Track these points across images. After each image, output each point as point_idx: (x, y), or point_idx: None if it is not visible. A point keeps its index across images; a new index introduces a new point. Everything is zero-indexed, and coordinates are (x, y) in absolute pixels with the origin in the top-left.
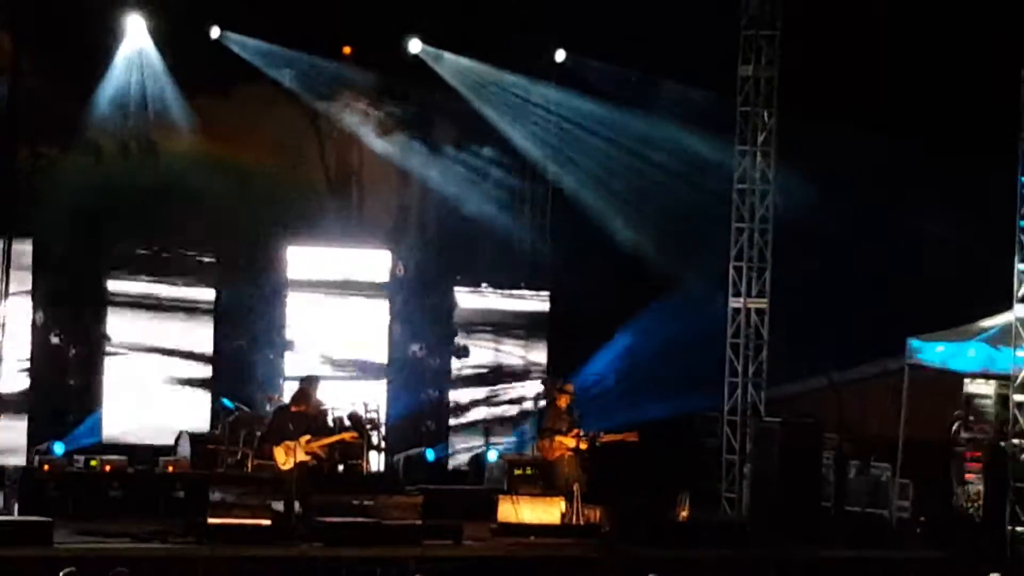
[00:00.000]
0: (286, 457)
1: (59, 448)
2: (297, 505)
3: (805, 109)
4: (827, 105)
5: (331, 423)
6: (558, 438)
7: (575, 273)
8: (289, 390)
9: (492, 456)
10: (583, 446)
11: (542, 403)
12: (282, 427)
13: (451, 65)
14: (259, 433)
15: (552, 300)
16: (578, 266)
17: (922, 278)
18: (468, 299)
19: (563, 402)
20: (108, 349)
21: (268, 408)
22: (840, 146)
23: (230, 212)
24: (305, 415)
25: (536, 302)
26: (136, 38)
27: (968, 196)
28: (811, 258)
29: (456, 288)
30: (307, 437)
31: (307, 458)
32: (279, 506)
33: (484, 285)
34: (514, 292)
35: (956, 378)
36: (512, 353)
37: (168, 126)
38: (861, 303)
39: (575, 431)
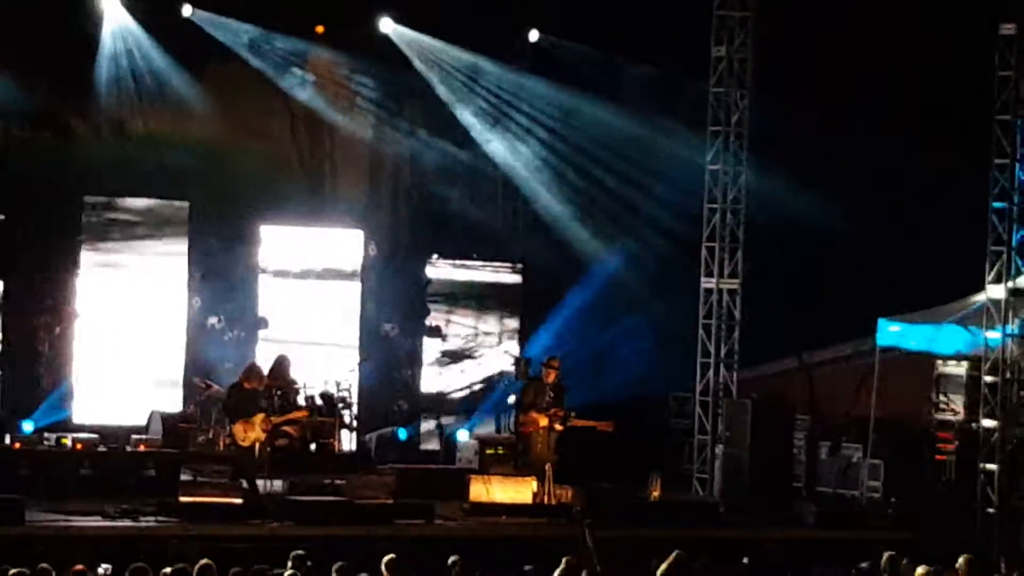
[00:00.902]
0: (245, 434)
1: (27, 426)
2: (269, 484)
3: (778, 90)
4: (800, 86)
5: (303, 402)
6: (533, 414)
7: (545, 248)
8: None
9: (462, 436)
10: (558, 427)
11: (516, 379)
12: (236, 405)
13: (417, 45)
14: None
15: (523, 274)
16: (548, 241)
17: (895, 259)
18: (441, 274)
19: (548, 378)
20: (79, 327)
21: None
22: (814, 127)
23: (201, 192)
24: (258, 392)
25: (508, 275)
26: (114, 16)
27: (941, 176)
28: (783, 239)
29: (429, 264)
30: (261, 416)
31: (263, 436)
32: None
33: (456, 259)
34: (487, 265)
35: (928, 359)
36: (485, 329)
37: (141, 106)
38: (833, 284)
39: (554, 409)
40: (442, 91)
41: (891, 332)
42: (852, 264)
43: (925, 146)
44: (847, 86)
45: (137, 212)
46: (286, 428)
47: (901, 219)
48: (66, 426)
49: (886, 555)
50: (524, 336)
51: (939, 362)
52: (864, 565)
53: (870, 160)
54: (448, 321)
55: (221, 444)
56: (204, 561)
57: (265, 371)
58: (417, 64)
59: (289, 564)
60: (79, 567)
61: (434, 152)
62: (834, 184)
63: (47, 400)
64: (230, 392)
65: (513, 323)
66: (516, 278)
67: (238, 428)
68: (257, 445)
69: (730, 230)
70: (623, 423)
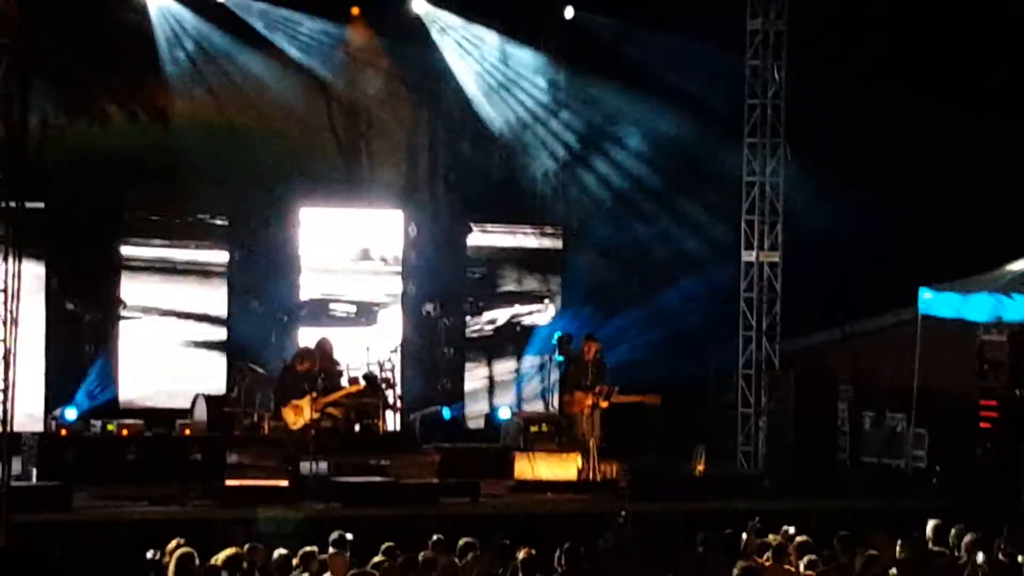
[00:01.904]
0: (295, 417)
1: (70, 413)
2: (315, 465)
3: (814, 62)
4: (837, 56)
5: (346, 383)
6: (577, 393)
7: (590, 227)
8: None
9: (504, 414)
10: (603, 404)
11: (558, 357)
12: (288, 387)
13: (448, 25)
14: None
15: (565, 246)
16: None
17: (936, 227)
18: (480, 241)
19: (588, 355)
20: (123, 314)
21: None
22: (852, 99)
23: (240, 176)
24: (310, 374)
25: (549, 239)
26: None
27: (986, 143)
28: (822, 209)
29: (469, 237)
30: (313, 395)
31: (316, 416)
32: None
33: (495, 225)
34: (527, 230)
35: (971, 328)
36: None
37: (176, 91)
38: (875, 254)
39: (598, 387)
40: (469, 73)
41: (933, 301)
42: (894, 233)
43: (969, 113)
44: (884, 54)
45: (176, 197)
46: (331, 410)
47: (945, 187)
48: (112, 409)
49: (932, 523)
50: (566, 302)
51: (981, 330)
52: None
53: (912, 128)
54: (492, 295)
55: (266, 427)
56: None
57: (296, 352)
58: (444, 44)
59: (330, 545)
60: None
61: (468, 129)
62: (875, 154)
63: (87, 379)
64: (282, 375)
65: (555, 286)
66: (557, 242)
67: (288, 411)
68: (306, 427)
69: (769, 202)
70: (667, 398)
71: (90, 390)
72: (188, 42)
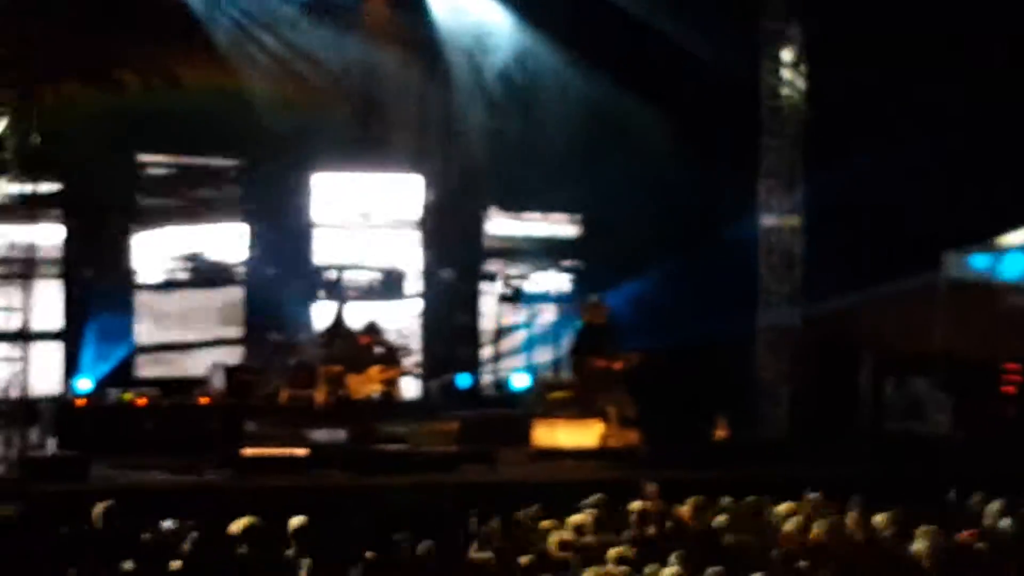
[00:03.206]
0: (359, 386)
1: (85, 383)
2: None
3: (834, 20)
4: (857, 14)
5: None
6: (590, 357)
7: (607, 195)
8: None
9: (519, 381)
10: (617, 367)
11: (577, 324)
12: (359, 356)
13: None
14: (292, 363)
15: (583, 223)
16: (610, 188)
17: (961, 189)
18: (497, 229)
19: (598, 321)
20: (139, 282)
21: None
22: (871, 57)
23: (255, 142)
24: (372, 346)
25: (567, 225)
26: None
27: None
28: (843, 172)
29: (485, 212)
30: (380, 367)
31: (379, 387)
32: (329, 435)
33: (514, 209)
34: (545, 216)
35: (994, 292)
36: (542, 276)
37: (189, 58)
38: (897, 217)
39: (610, 352)
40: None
41: (958, 263)
42: (918, 195)
43: (991, 76)
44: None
45: (190, 164)
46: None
47: (969, 150)
48: (127, 376)
49: (953, 491)
50: (585, 278)
51: (1005, 293)
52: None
53: (935, 91)
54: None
55: (283, 396)
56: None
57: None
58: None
59: None
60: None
61: (487, 92)
62: (897, 114)
63: (99, 346)
64: (347, 346)
65: (571, 271)
66: (574, 229)
67: (353, 380)
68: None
69: (789, 165)
70: (686, 364)
71: (102, 356)
72: (199, 6)
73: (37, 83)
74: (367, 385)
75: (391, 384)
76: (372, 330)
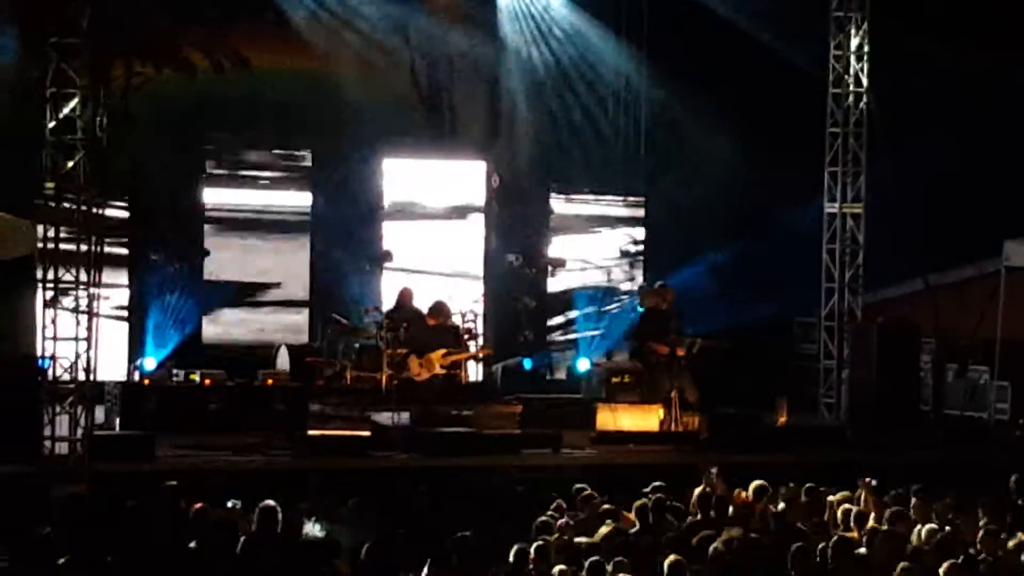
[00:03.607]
0: (420, 369)
1: (150, 362)
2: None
3: (899, 11)
4: (921, 6)
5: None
6: (651, 343)
7: (670, 179)
8: (387, 302)
9: (583, 365)
10: (680, 352)
11: (640, 308)
12: (424, 339)
13: None
14: (357, 345)
15: (646, 207)
16: (673, 171)
17: (1018, 178)
18: (563, 207)
19: (662, 306)
20: (207, 264)
21: (366, 320)
22: (936, 48)
23: (324, 126)
24: (439, 328)
25: (631, 208)
26: None
27: None
28: (907, 161)
29: (552, 196)
30: (443, 351)
31: (442, 371)
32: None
33: (578, 193)
34: (609, 198)
35: None
36: (606, 262)
37: (259, 41)
38: (958, 204)
39: (672, 337)
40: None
41: (1016, 250)
42: (978, 183)
43: None
44: (970, 10)
45: (259, 148)
46: (448, 362)
47: None
48: (192, 354)
49: (1014, 477)
50: (649, 263)
51: None
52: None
53: (997, 80)
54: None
55: (348, 378)
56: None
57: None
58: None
59: None
60: (199, 505)
61: (553, 78)
62: (959, 104)
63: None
64: (413, 327)
65: (637, 249)
66: (638, 211)
67: (414, 363)
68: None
69: (852, 153)
70: (749, 348)
71: (167, 335)
72: None
73: (107, 65)
74: (429, 369)
75: (455, 367)
76: (438, 311)
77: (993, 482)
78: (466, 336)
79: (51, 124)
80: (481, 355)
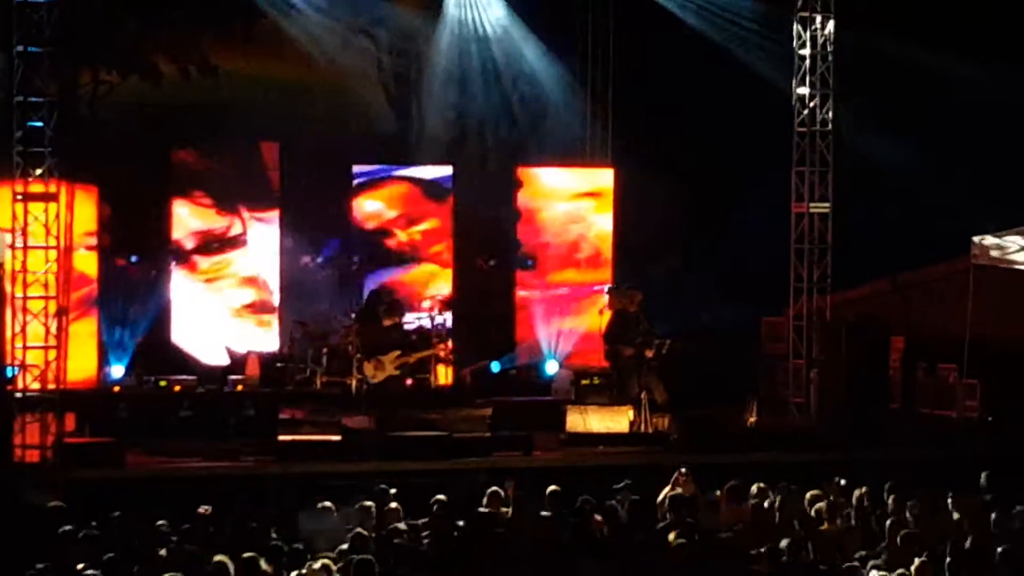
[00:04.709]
0: (375, 371)
1: (117, 370)
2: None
3: (862, 15)
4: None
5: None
6: (619, 345)
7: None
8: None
9: (551, 368)
10: (649, 353)
11: (608, 311)
12: (377, 341)
13: None
14: (325, 350)
15: (617, 215)
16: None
17: (987, 175)
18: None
19: (630, 308)
20: (174, 269)
21: (344, 324)
22: (900, 49)
23: (291, 132)
24: (393, 329)
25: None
26: None
27: None
28: (872, 160)
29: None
30: (397, 352)
31: (396, 372)
32: (360, 421)
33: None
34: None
35: (1022, 277)
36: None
37: (226, 47)
38: (925, 203)
39: (639, 339)
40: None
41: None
42: (945, 181)
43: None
44: (932, 11)
45: (229, 153)
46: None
47: (998, 135)
48: (160, 361)
49: (984, 474)
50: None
51: None
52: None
53: (961, 82)
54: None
55: (318, 383)
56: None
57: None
58: None
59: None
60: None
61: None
62: (923, 105)
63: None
64: (368, 329)
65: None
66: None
67: (369, 365)
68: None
69: (819, 154)
70: (717, 350)
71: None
72: None
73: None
74: (381, 371)
75: (420, 369)
76: (393, 310)
77: (963, 480)
78: (436, 339)
79: (18, 133)
80: (440, 355)
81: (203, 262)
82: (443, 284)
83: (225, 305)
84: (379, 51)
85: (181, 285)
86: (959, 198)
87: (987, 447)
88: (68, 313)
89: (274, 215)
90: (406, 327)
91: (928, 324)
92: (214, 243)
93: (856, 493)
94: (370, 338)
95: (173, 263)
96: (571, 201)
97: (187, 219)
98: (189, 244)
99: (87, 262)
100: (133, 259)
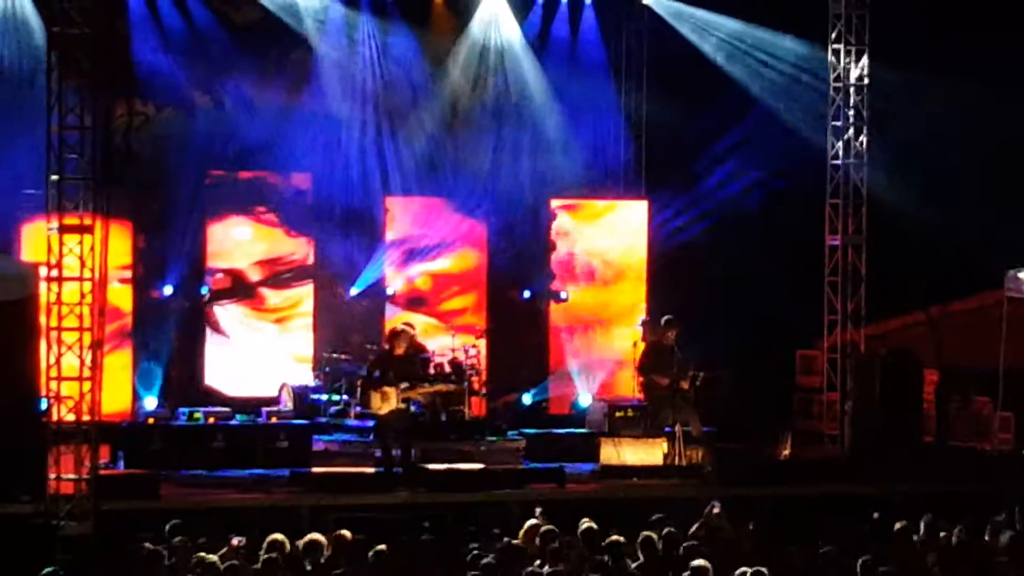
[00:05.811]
0: (381, 403)
1: (150, 402)
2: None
3: (898, 50)
4: (921, 47)
5: (432, 370)
6: (654, 376)
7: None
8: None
9: (584, 401)
10: (684, 386)
11: (644, 342)
12: (382, 373)
13: None
14: (359, 382)
15: (648, 242)
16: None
17: (1020, 210)
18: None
19: (666, 340)
20: (210, 301)
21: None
22: (935, 83)
23: (321, 163)
24: (405, 359)
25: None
26: None
27: None
28: (907, 193)
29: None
30: (404, 384)
31: (402, 405)
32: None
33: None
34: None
35: None
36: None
37: (262, 79)
38: (959, 236)
39: (675, 370)
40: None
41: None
42: (979, 214)
43: None
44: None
45: (260, 185)
46: (416, 396)
47: None
48: (195, 395)
49: (1019, 508)
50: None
51: None
52: (999, 518)
53: (995, 112)
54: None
55: (352, 414)
56: (340, 532)
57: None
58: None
59: None
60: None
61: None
62: (958, 136)
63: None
64: (377, 359)
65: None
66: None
67: (375, 396)
68: (392, 413)
69: (853, 186)
70: (752, 382)
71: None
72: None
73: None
74: (387, 402)
75: (450, 401)
76: (400, 340)
77: (998, 513)
78: (469, 372)
79: (54, 166)
80: (446, 389)
81: (273, 297)
82: (477, 316)
83: (260, 335)
84: (416, 87)
85: (217, 316)
86: (993, 231)
87: (1022, 480)
88: (103, 345)
89: (308, 246)
90: (438, 359)
91: (962, 357)
92: (284, 274)
93: (897, 526)
94: (385, 368)
95: (209, 296)
96: (604, 233)
97: (248, 244)
98: (255, 276)
99: (122, 295)
100: (167, 292)
